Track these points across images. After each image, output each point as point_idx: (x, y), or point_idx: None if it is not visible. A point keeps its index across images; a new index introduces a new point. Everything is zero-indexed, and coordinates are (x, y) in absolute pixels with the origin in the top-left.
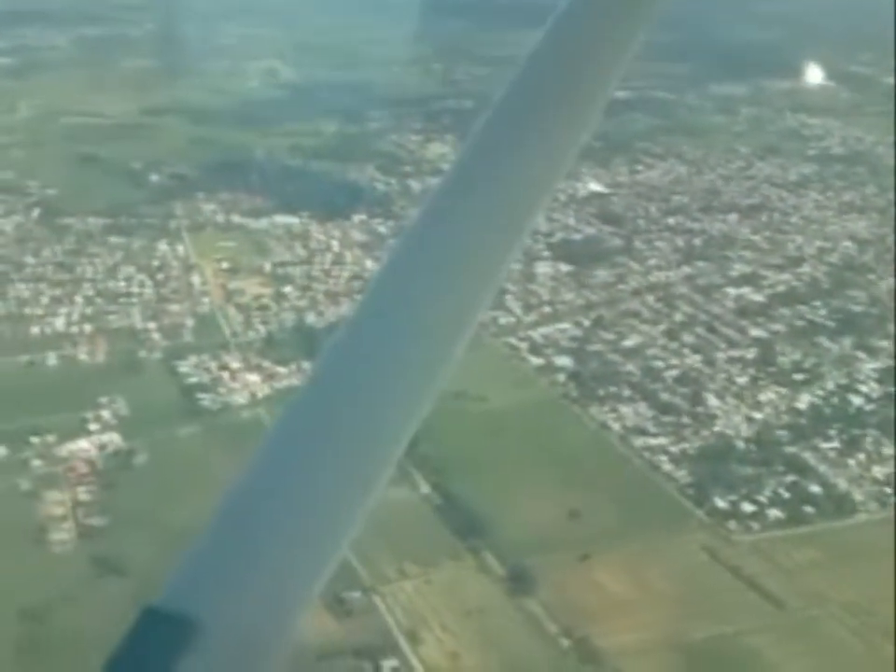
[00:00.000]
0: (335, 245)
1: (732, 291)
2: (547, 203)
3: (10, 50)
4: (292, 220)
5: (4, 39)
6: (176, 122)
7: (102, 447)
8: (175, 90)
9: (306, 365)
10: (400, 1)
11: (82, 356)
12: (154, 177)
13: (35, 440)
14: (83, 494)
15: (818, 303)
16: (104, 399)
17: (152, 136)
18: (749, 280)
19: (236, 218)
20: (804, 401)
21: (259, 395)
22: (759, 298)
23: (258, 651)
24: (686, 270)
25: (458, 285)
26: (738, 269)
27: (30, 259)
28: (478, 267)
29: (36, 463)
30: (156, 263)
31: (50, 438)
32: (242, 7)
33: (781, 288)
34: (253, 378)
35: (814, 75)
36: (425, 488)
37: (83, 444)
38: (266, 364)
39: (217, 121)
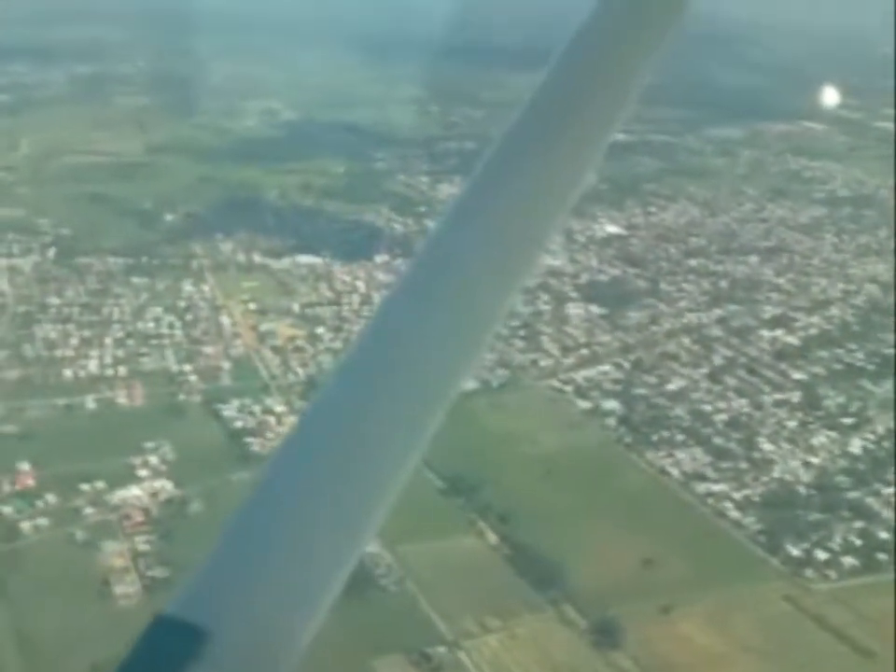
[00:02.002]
0: (361, 285)
1: (766, 334)
2: (554, 233)
3: (4, 87)
4: (315, 260)
5: None
6: (181, 161)
7: (154, 494)
8: (175, 128)
9: None
10: (389, 42)
11: (121, 399)
12: (168, 217)
13: (84, 486)
14: (142, 544)
15: (853, 346)
16: (149, 444)
17: (159, 175)
18: (781, 322)
19: (258, 258)
20: (856, 446)
21: None
22: (793, 340)
23: (265, 661)
24: (717, 312)
25: (464, 316)
26: (769, 311)
27: (54, 300)
28: (486, 294)
29: (89, 511)
30: (183, 304)
31: (100, 484)
32: (231, 46)
33: (814, 331)
34: None
35: (808, 119)
36: (492, 538)
37: (135, 492)
38: None
39: (222, 160)
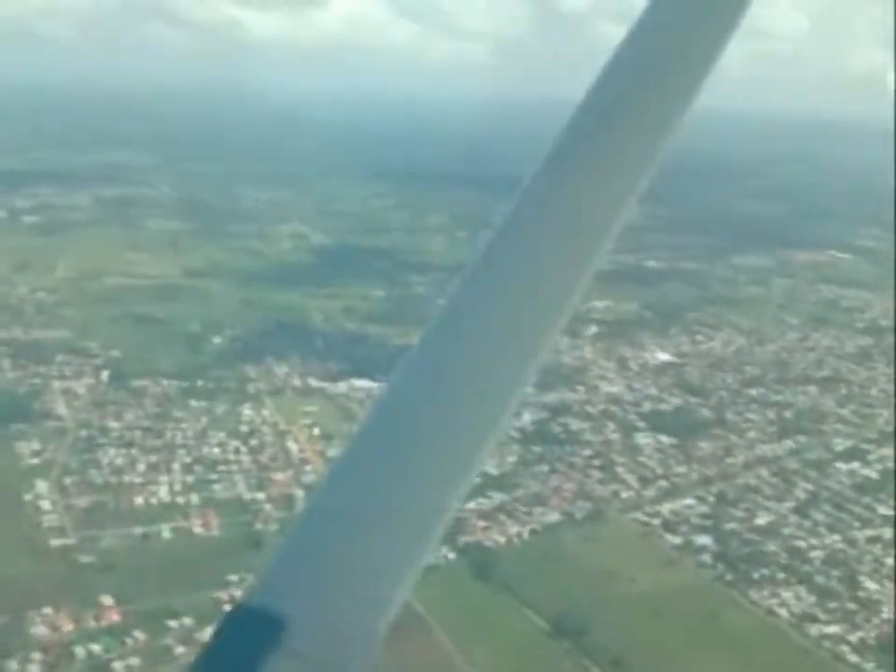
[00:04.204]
0: None
1: (842, 466)
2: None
3: (34, 209)
4: (370, 385)
5: (26, 198)
6: (220, 284)
7: None
8: (209, 251)
9: None
10: (410, 172)
11: (197, 528)
12: (216, 339)
13: (172, 623)
14: None
15: None
16: (233, 577)
17: (200, 298)
18: (855, 455)
19: (314, 382)
20: None
21: None
22: (871, 473)
23: (345, 649)
24: (789, 444)
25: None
26: (840, 443)
27: (114, 424)
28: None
29: (180, 650)
30: (245, 429)
31: (188, 621)
32: (252, 172)
33: (890, 464)
34: None
35: (833, 248)
36: None
37: None
38: None
39: (261, 283)
